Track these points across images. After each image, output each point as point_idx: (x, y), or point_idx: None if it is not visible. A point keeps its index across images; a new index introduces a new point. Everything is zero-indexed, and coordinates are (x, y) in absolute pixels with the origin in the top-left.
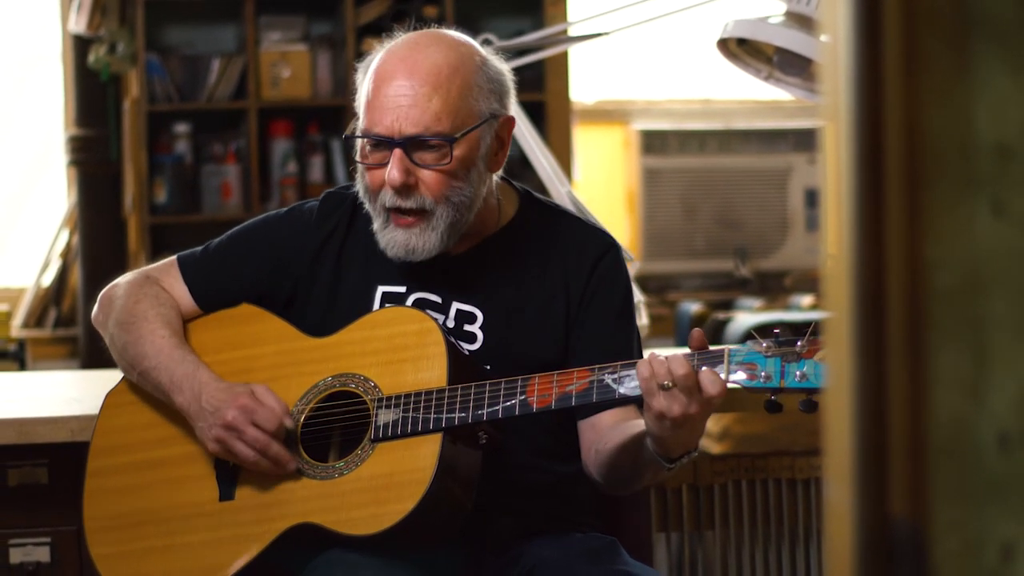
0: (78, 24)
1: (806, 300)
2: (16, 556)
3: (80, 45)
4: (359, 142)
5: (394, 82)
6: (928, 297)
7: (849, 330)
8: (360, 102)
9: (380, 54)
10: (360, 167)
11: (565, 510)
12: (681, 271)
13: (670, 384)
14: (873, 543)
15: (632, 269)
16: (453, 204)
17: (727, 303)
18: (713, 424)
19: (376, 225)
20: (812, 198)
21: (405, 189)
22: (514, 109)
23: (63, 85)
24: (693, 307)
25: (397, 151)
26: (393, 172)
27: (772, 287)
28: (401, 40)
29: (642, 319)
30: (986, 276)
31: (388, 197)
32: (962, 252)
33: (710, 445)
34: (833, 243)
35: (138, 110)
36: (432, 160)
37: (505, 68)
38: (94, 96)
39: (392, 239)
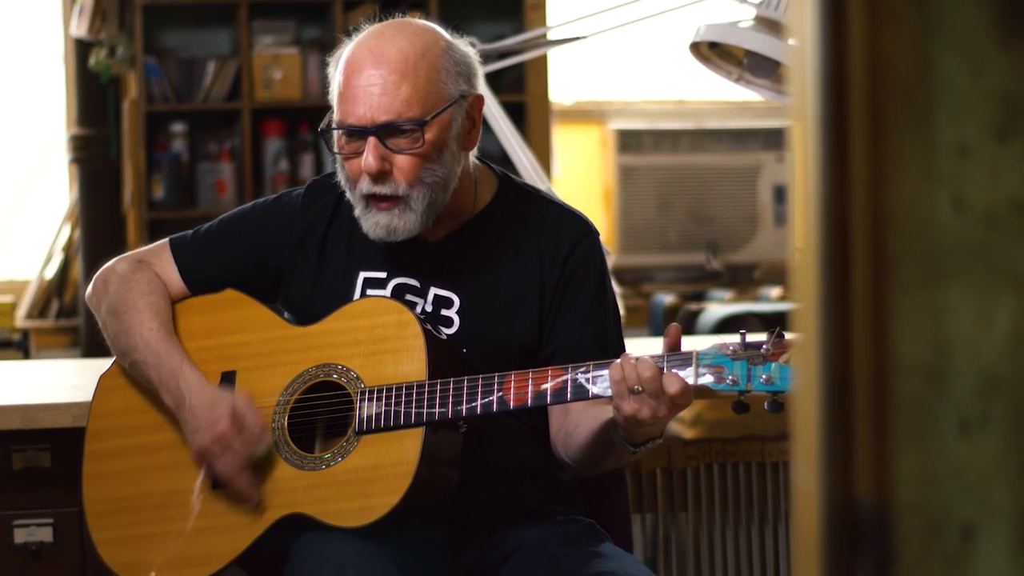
0: (79, 28)
1: (775, 292)
2: (20, 536)
3: (81, 48)
4: (335, 134)
5: (364, 72)
6: (892, 288)
7: (816, 320)
8: (333, 95)
9: (349, 47)
10: (338, 158)
11: (545, 494)
12: (655, 264)
13: (639, 388)
14: (839, 523)
15: (608, 262)
16: (427, 185)
17: (699, 294)
18: (686, 410)
19: (358, 211)
20: (780, 194)
21: (381, 175)
22: (482, 87)
23: (65, 86)
24: (667, 298)
25: (371, 139)
26: (368, 159)
27: (742, 279)
28: (368, 32)
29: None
30: (947, 268)
31: (365, 184)
32: (924, 245)
33: (683, 430)
34: (800, 237)
35: (137, 110)
36: (405, 145)
37: (471, 51)
38: (94, 97)
39: (374, 222)
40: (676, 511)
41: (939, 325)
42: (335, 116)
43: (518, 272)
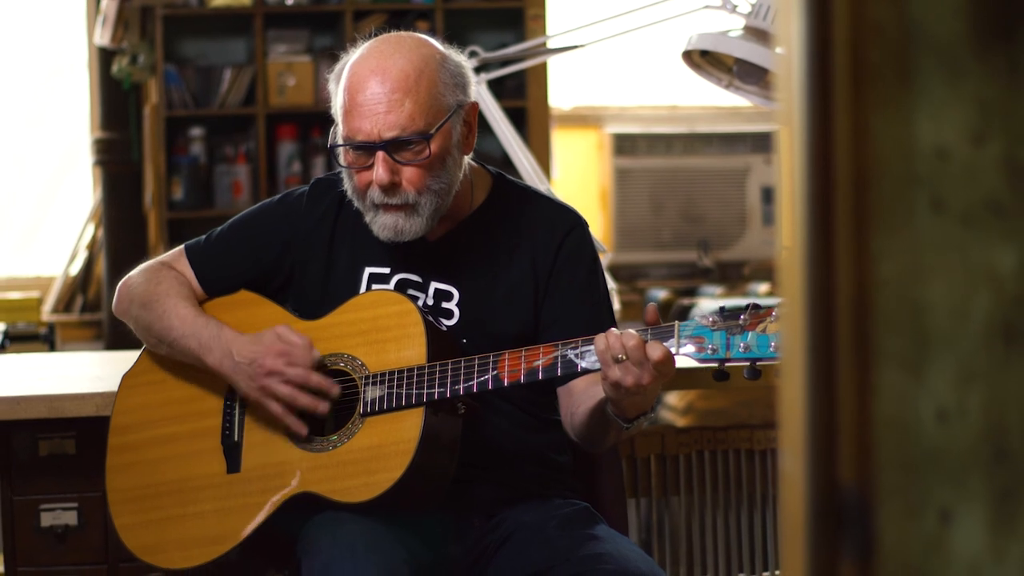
0: (102, 37)
1: (763, 288)
2: (47, 519)
3: (104, 56)
4: (342, 150)
5: (368, 91)
6: (873, 284)
7: (801, 314)
8: (337, 111)
9: (349, 64)
10: (347, 171)
11: (544, 477)
12: (649, 261)
13: (623, 356)
14: (823, 507)
15: (604, 260)
16: (434, 192)
17: (691, 290)
18: (678, 401)
19: (368, 217)
20: (768, 195)
21: (392, 187)
22: (475, 94)
23: (89, 92)
24: (660, 294)
25: (380, 154)
26: (380, 173)
27: (732, 276)
28: (366, 49)
29: (614, 305)
30: (926, 265)
31: (376, 194)
32: (904, 243)
33: (676, 419)
34: (787, 236)
35: (157, 115)
36: (412, 156)
37: (463, 59)
38: (117, 102)
39: (383, 223)
40: (669, 496)
41: (918, 319)
42: (341, 131)
43: (513, 265)
